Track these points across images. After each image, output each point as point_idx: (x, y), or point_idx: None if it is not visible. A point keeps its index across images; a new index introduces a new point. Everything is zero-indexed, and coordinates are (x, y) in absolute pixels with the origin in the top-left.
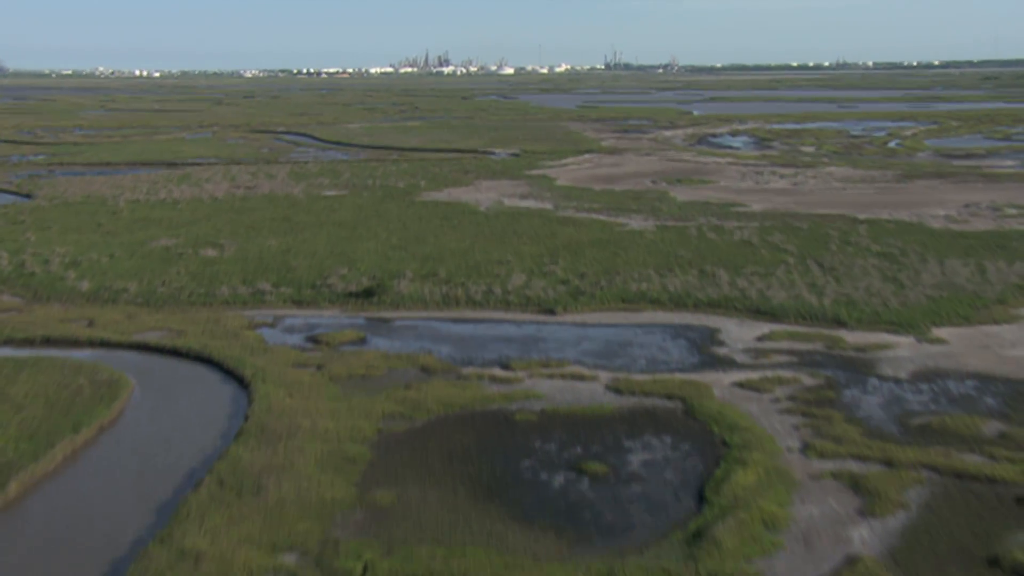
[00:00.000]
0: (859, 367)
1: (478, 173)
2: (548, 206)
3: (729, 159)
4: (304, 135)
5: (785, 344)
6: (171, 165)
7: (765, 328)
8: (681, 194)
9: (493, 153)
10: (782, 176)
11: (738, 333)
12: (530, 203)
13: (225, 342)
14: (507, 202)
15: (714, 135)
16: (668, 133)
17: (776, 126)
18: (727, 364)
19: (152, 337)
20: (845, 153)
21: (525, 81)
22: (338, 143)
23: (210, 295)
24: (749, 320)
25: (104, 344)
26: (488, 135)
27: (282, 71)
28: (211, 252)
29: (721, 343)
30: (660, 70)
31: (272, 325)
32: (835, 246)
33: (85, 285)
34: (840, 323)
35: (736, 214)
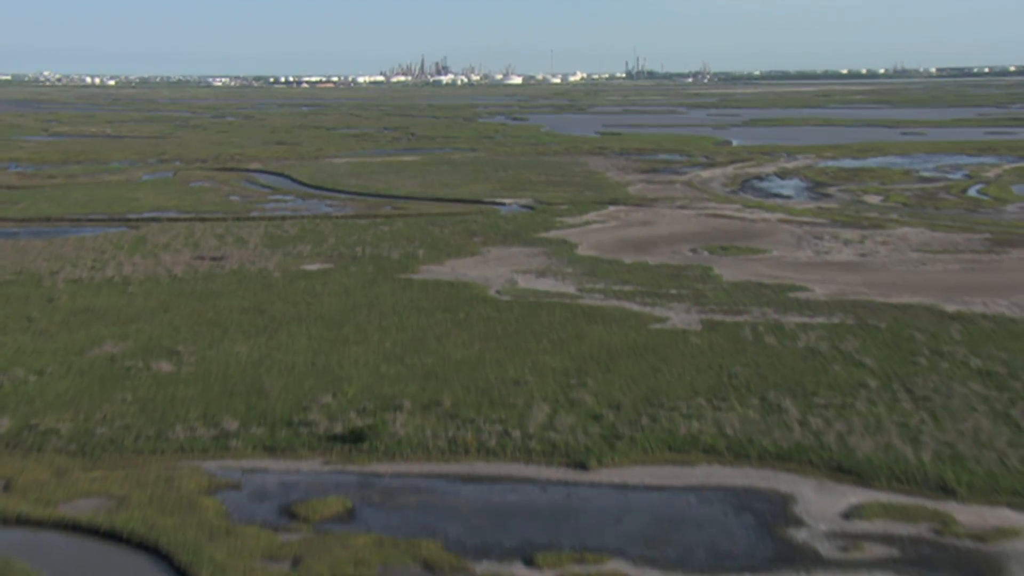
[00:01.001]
0: (982, 570)
1: (486, 236)
2: (570, 288)
3: (780, 214)
4: (281, 175)
5: (880, 526)
6: (123, 221)
7: (852, 497)
8: (727, 270)
9: (502, 204)
10: (846, 242)
11: (818, 505)
12: (549, 283)
13: (178, 519)
14: (521, 281)
15: (759, 177)
16: (705, 174)
17: (831, 163)
18: (810, 560)
19: (85, 509)
20: (918, 206)
21: (535, 94)
22: (321, 188)
23: (162, 438)
24: (830, 482)
25: (23, 521)
26: (495, 176)
27: (257, 79)
28: (166, 366)
29: (798, 521)
30: (690, 79)
31: (238, 486)
32: (924, 359)
33: (4, 424)
34: (947, 490)
35: (797, 303)
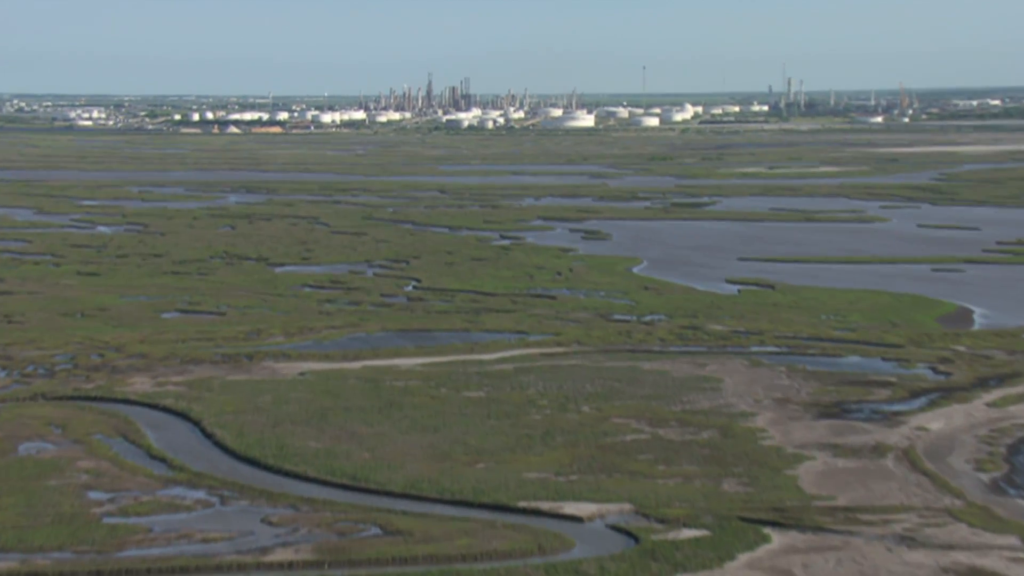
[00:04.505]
0: None
1: None
2: None
3: None
4: (186, 418)
5: None
6: None
7: None
8: None
9: (576, 519)
10: None
11: None
12: None
13: None
14: None
15: None
16: (936, 424)
17: None
18: None
19: None
20: None
21: (620, 154)
22: (255, 463)
23: None
24: None
25: None
26: (561, 427)
27: (152, 110)
28: None
29: None
30: (878, 117)
31: None
32: None
33: None
34: None
35: None
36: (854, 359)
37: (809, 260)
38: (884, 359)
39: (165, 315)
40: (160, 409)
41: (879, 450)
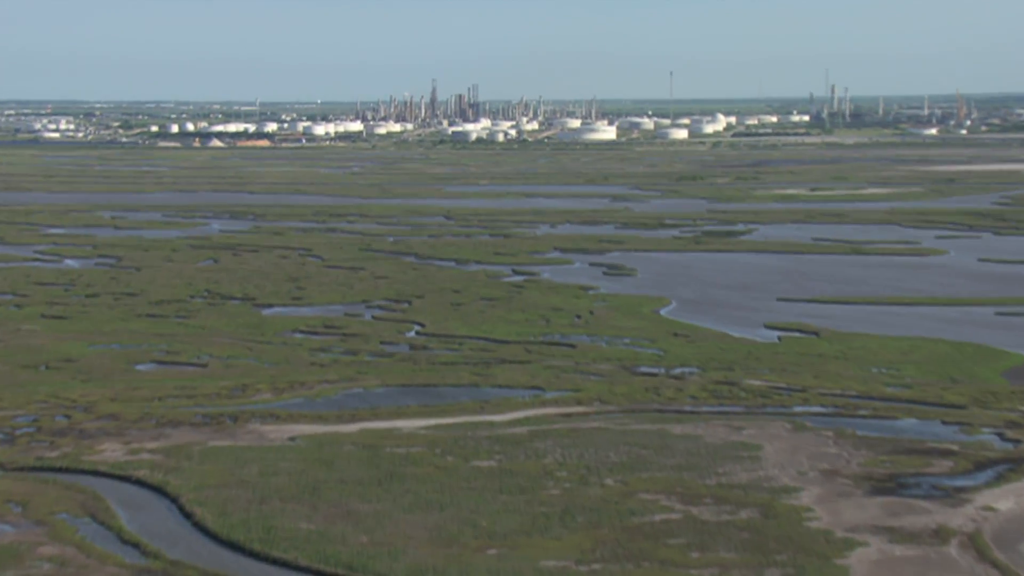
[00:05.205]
0: None
1: None
2: None
3: None
4: (162, 493)
5: None
6: None
7: None
8: None
9: None
10: None
11: None
12: None
13: None
14: None
15: None
16: (1003, 503)
17: None
18: None
19: None
20: None
21: (645, 174)
22: (238, 548)
23: None
24: None
25: None
26: (581, 501)
27: (126, 118)
28: None
29: None
30: (933, 128)
31: None
32: None
33: None
34: None
35: None
36: (910, 422)
37: (857, 301)
38: (944, 422)
39: (139, 367)
40: (133, 482)
41: (941, 535)
